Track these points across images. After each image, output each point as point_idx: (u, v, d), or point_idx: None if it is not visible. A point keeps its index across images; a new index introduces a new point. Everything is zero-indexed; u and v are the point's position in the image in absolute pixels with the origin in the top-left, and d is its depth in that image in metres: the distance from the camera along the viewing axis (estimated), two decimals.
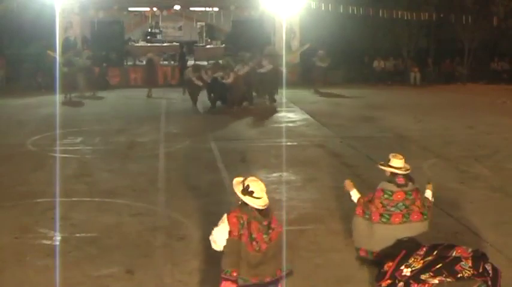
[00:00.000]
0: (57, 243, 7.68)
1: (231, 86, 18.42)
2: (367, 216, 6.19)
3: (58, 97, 18.74)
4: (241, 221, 4.94)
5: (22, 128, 15.28)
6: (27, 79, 22.52)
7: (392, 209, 6.06)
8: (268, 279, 5.06)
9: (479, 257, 4.94)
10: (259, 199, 4.95)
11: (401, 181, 6.08)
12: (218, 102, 18.82)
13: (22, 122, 16.08)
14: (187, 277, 6.75)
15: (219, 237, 5.01)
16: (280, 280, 5.16)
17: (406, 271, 4.99)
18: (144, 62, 22.53)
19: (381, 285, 5.11)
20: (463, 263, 4.86)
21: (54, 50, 21.70)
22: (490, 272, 4.86)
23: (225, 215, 5.02)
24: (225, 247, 5.01)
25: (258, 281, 5.03)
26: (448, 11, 24.34)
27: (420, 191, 6.29)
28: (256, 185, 5.00)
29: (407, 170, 6.12)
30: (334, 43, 23.49)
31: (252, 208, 4.97)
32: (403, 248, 5.41)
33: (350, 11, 23.06)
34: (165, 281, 6.66)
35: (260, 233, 4.99)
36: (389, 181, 6.13)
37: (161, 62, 24.87)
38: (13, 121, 16.41)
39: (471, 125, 15.77)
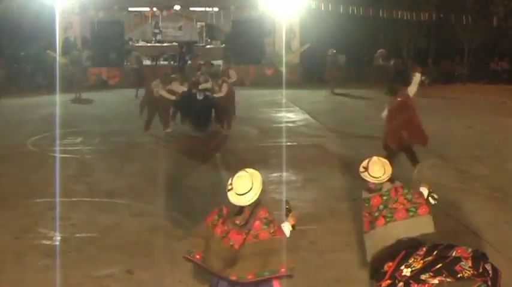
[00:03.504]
0: (57, 243, 7.68)
1: (222, 101, 14.47)
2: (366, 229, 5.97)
3: (58, 97, 18.73)
4: (219, 213, 4.96)
5: (22, 128, 15.28)
6: (27, 79, 22.53)
7: (376, 214, 5.88)
8: (233, 278, 4.83)
9: (479, 257, 4.93)
10: (240, 196, 4.85)
11: (371, 186, 5.92)
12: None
13: (22, 122, 16.08)
14: (187, 277, 6.74)
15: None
16: (246, 282, 4.84)
17: (406, 271, 4.98)
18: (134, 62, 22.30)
19: (380, 285, 5.10)
20: (463, 263, 4.85)
21: (54, 50, 21.76)
22: (490, 272, 4.86)
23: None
24: (197, 229, 5.11)
25: (222, 274, 4.87)
26: (448, 11, 24.36)
27: (405, 188, 6.00)
28: (239, 181, 4.89)
29: (380, 180, 5.85)
30: (334, 43, 23.50)
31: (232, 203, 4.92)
32: (403, 249, 5.40)
33: (350, 11, 23.08)
34: (165, 281, 6.66)
35: (234, 231, 4.87)
36: (365, 189, 5.98)
37: (161, 62, 24.93)
38: (13, 121, 16.42)
39: (471, 125, 15.76)
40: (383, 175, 5.85)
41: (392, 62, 22.31)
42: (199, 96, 14.14)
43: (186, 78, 15.62)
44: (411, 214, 5.89)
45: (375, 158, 6.03)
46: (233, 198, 4.86)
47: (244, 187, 4.84)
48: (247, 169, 4.99)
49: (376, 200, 5.91)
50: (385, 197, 5.92)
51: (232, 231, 4.87)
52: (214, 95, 14.36)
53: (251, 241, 4.84)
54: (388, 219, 5.90)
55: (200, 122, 14.17)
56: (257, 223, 4.88)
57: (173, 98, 14.17)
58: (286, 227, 5.06)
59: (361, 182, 5.97)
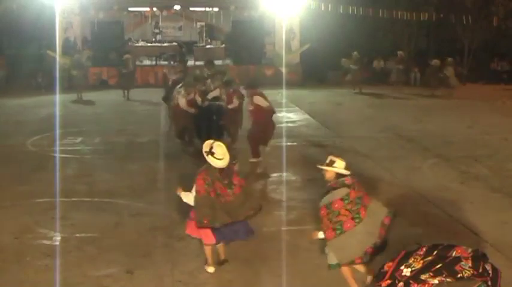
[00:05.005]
0: (57, 243, 7.69)
1: (233, 113, 12.59)
2: (338, 231, 6.01)
3: (58, 97, 18.72)
4: (207, 182, 6.38)
5: (22, 128, 15.28)
6: (27, 79, 22.53)
7: (355, 208, 6.00)
8: (240, 218, 6.57)
9: (479, 257, 4.93)
10: (219, 160, 6.37)
11: (349, 181, 6.05)
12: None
13: (22, 122, 16.08)
14: (187, 277, 6.76)
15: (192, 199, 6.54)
16: (248, 218, 6.66)
17: (406, 271, 4.98)
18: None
19: (380, 285, 5.10)
20: (463, 263, 4.85)
21: (54, 50, 21.75)
22: (490, 272, 4.86)
23: (196, 179, 6.44)
24: (196, 202, 6.47)
25: (231, 223, 6.51)
26: (448, 11, 24.34)
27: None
28: (219, 149, 6.38)
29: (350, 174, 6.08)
30: (334, 43, 23.50)
31: (215, 168, 6.37)
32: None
33: (350, 11, 23.07)
34: (165, 281, 6.67)
35: (224, 189, 6.43)
36: (338, 186, 6.03)
37: (161, 62, 24.89)
38: (13, 121, 16.42)
39: (471, 125, 15.77)
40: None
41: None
42: (213, 107, 12.81)
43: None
44: None
45: (332, 155, 6.25)
46: (216, 162, 6.37)
47: (223, 153, 6.39)
48: (217, 140, 6.57)
49: (353, 193, 6.06)
50: (355, 191, 6.07)
51: (223, 190, 6.43)
52: (229, 106, 12.47)
53: (239, 192, 6.52)
54: (365, 213, 6.06)
55: (212, 135, 11.92)
56: (236, 178, 6.58)
57: (192, 111, 12.54)
58: None
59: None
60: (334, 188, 6.06)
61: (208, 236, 6.64)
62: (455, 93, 20.95)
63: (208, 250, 6.81)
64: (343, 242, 6.01)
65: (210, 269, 6.84)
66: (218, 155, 6.37)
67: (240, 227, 6.64)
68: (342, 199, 6.00)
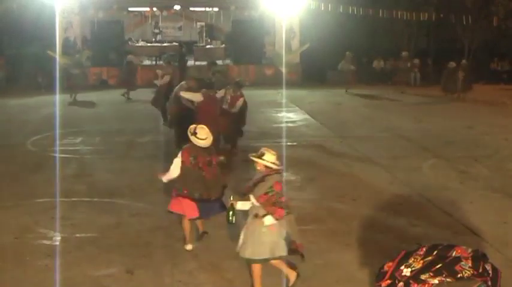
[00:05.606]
0: (57, 243, 7.69)
1: (235, 117, 12.32)
2: (287, 210, 6.08)
3: (58, 97, 18.72)
4: (192, 155, 7.11)
5: (22, 128, 15.29)
6: (27, 79, 22.52)
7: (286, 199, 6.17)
8: (213, 197, 7.23)
9: (479, 257, 4.93)
10: (201, 140, 7.08)
11: (281, 171, 6.16)
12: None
13: (22, 122, 16.08)
14: (187, 277, 6.76)
15: (174, 169, 7.21)
16: (220, 198, 7.30)
17: (406, 271, 4.97)
18: (124, 63, 21.64)
19: (380, 285, 5.10)
20: (463, 263, 4.85)
21: (54, 50, 21.74)
22: (490, 272, 4.85)
23: (181, 152, 7.21)
24: (181, 171, 7.13)
25: (207, 197, 7.18)
26: (448, 11, 24.34)
27: None
28: (202, 131, 7.12)
29: (279, 166, 6.12)
30: (334, 43, 23.50)
31: (197, 146, 7.09)
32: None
33: (350, 11, 23.08)
34: (165, 281, 6.67)
35: (205, 165, 7.15)
36: (272, 173, 6.06)
37: (160, 62, 24.86)
38: (13, 121, 16.42)
39: (471, 125, 15.77)
40: (276, 161, 6.21)
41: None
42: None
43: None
44: None
45: (264, 148, 6.25)
46: (199, 142, 7.08)
47: (206, 134, 7.14)
48: (201, 125, 7.23)
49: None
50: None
51: (204, 166, 7.14)
52: (232, 110, 12.14)
53: (217, 171, 7.29)
54: None
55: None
56: (215, 159, 7.30)
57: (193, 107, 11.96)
58: None
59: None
60: (268, 175, 6.06)
61: (193, 210, 7.21)
62: (472, 96, 20.85)
63: (187, 227, 7.37)
64: (291, 220, 6.15)
65: (188, 247, 7.37)
66: (201, 135, 7.10)
67: (215, 203, 7.29)
68: (279, 181, 6.07)
